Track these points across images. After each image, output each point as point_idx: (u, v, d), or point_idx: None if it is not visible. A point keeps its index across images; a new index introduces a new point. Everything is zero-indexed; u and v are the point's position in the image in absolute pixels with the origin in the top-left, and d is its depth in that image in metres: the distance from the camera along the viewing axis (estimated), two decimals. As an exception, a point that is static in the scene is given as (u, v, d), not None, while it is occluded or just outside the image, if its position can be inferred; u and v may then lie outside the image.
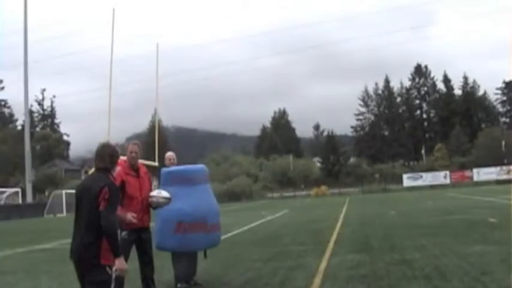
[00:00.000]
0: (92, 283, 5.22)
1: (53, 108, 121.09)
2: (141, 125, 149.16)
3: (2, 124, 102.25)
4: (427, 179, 73.13)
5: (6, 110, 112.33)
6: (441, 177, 72.88)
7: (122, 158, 6.76)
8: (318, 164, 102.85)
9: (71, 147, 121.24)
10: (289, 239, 16.01)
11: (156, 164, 29.13)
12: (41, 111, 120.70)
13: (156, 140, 32.01)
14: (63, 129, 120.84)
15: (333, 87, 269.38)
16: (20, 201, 59.52)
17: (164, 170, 9.39)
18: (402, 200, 39.71)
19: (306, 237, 16.45)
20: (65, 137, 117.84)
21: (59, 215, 52.60)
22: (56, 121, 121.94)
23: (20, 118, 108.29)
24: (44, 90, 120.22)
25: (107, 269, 5.25)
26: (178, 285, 9.17)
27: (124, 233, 6.58)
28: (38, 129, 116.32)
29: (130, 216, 6.62)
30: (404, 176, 75.37)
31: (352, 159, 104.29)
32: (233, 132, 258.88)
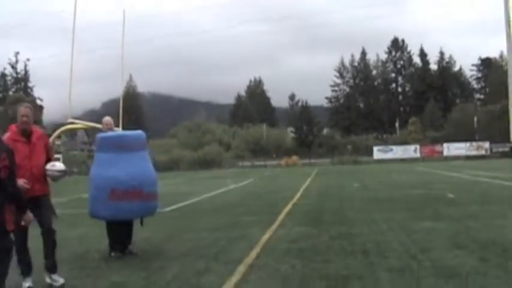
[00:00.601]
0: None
1: (26, 72, 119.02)
2: (117, 90, 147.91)
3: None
4: (398, 152, 73.46)
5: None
6: (411, 151, 73.29)
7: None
8: (292, 134, 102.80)
9: (45, 111, 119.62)
10: (244, 209, 15.77)
11: (119, 129, 28.67)
12: (14, 74, 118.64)
13: (120, 106, 31.66)
14: (36, 93, 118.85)
15: (309, 57, 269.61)
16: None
17: (99, 135, 8.99)
18: (369, 173, 39.71)
19: (260, 207, 16.22)
20: (38, 101, 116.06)
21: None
22: (30, 85, 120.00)
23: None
24: (17, 53, 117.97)
25: (11, 235, 5.31)
26: (112, 253, 8.85)
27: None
28: (10, 92, 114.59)
29: (22, 182, 6.14)
30: (375, 149, 75.62)
31: (325, 130, 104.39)
32: (208, 100, 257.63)
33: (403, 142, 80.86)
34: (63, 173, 7.03)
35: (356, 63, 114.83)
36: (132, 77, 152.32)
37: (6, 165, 5.06)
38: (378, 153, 74.23)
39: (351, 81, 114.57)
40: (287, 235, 10.29)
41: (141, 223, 9.33)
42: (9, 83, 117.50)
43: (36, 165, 6.75)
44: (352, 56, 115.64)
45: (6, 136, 6.19)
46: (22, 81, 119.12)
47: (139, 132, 9.25)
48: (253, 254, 8.45)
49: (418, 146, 74.00)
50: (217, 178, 40.23)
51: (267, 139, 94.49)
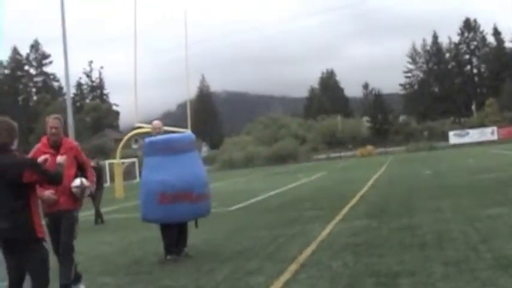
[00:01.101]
0: (33, 258, 5.07)
1: (101, 79, 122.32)
2: (191, 91, 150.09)
3: (52, 97, 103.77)
4: (474, 135, 71.22)
5: (55, 84, 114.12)
6: (488, 133, 70.92)
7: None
8: (367, 124, 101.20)
9: (121, 116, 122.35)
10: (309, 204, 15.55)
11: (188, 131, 28.96)
12: (90, 83, 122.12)
13: (188, 109, 31.92)
14: (112, 99, 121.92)
15: (380, 45, 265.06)
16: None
17: (146, 140, 9.00)
18: (443, 159, 38.60)
19: (327, 201, 15.96)
20: (114, 107, 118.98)
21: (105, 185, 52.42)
22: (105, 92, 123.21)
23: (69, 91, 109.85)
24: (91, 62, 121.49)
25: (44, 243, 5.16)
26: (168, 256, 8.82)
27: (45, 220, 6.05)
28: (87, 100, 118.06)
29: (49, 193, 6.10)
30: (451, 133, 73.64)
31: (401, 118, 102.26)
32: (283, 95, 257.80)
33: (481, 125, 78.29)
34: (78, 189, 6.61)
35: (428, 48, 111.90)
36: (204, 77, 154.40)
37: (36, 179, 5.06)
38: (453, 137, 72.22)
39: (424, 66, 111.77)
40: (347, 229, 10.04)
41: (196, 225, 9.29)
42: (85, 91, 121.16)
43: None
44: (424, 40, 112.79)
45: (36, 147, 6.14)
46: (98, 88, 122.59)
47: (187, 133, 9.27)
48: (308, 251, 8.28)
49: (495, 128, 71.49)
50: (290, 173, 40.07)
51: (342, 130, 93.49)
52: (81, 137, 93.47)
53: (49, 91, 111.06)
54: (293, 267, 7.21)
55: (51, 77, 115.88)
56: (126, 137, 32.39)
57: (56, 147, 6.64)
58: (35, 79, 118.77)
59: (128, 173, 61.43)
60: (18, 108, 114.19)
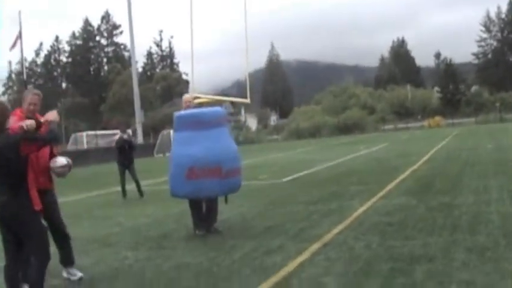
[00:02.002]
0: (32, 231, 5.11)
1: (171, 49, 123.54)
2: (262, 60, 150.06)
3: (122, 67, 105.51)
4: (549, 107, 68.37)
5: (125, 53, 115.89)
6: None
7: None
8: (437, 94, 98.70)
9: (190, 85, 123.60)
10: (357, 178, 15.20)
11: (248, 100, 28.72)
12: (160, 52, 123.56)
13: (246, 76, 31.65)
14: (182, 68, 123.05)
15: (453, 14, 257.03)
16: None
17: (175, 114, 8.82)
18: (511, 132, 37.16)
19: (376, 175, 15.58)
20: (184, 76, 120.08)
21: (168, 154, 52.55)
22: (175, 61, 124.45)
23: (140, 60, 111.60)
24: (161, 31, 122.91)
25: (40, 216, 5.24)
26: (197, 231, 8.75)
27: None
28: (157, 70, 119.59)
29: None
30: (524, 105, 70.99)
31: (473, 88, 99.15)
32: (356, 64, 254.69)
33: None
34: (66, 168, 6.24)
35: (503, 15, 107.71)
36: (274, 46, 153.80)
37: (33, 149, 5.18)
38: (527, 109, 69.61)
39: (499, 34, 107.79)
40: (384, 207, 9.70)
41: (226, 200, 9.16)
42: (155, 61, 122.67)
43: (42, 157, 6.09)
44: (499, 8, 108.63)
45: (12, 121, 5.72)
46: (168, 58, 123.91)
47: (216, 108, 9.01)
48: (337, 229, 8.02)
49: None
50: (352, 144, 39.50)
51: (411, 100, 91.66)
52: (152, 106, 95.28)
53: (119, 61, 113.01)
54: (315, 247, 6.99)
55: (122, 46, 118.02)
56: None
57: None
58: (106, 49, 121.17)
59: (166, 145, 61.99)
60: (90, 77, 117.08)
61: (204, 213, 8.89)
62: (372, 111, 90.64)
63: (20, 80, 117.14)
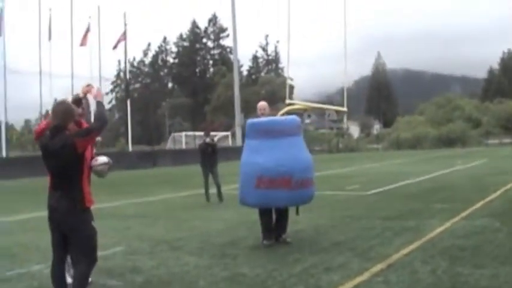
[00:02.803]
0: (78, 233, 5.13)
1: (276, 53, 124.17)
2: (367, 68, 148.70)
3: (228, 70, 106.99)
4: None
5: (231, 56, 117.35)
6: None
7: None
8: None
9: (295, 91, 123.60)
10: (444, 195, 14.57)
11: (345, 109, 28.45)
12: (265, 57, 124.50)
13: (344, 90, 31.27)
14: (287, 73, 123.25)
15: None
16: (230, 144, 61.85)
17: (248, 121, 8.75)
18: None
19: (464, 193, 14.89)
20: (289, 81, 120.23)
21: None
22: (280, 65, 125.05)
23: (245, 64, 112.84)
24: (267, 36, 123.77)
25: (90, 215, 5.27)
26: (264, 241, 8.64)
27: None
28: (262, 74, 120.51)
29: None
30: None
31: None
32: (463, 74, 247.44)
33: None
34: (106, 166, 6.05)
35: None
36: (380, 54, 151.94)
37: (88, 141, 5.22)
38: None
39: None
40: (462, 228, 9.21)
41: (297, 211, 8.96)
42: (260, 65, 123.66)
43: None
44: None
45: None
46: (273, 62, 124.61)
47: (291, 117, 8.84)
48: (407, 249, 7.67)
49: None
50: (451, 158, 38.13)
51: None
52: (255, 109, 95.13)
53: (225, 63, 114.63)
54: (377, 268, 6.71)
55: (228, 49, 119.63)
56: (279, 114, 32.05)
57: None
58: (212, 52, 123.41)
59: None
60: (195, 79, 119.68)
61: (273, 222, 8.76)
62: (477, 124, 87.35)
63: (128, 79, 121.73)
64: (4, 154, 35.43)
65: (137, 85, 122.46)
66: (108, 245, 8.77)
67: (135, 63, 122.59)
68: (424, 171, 23.73)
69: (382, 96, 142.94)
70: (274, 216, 8.79)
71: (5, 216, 13.47)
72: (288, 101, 30.47)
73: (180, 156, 42.73)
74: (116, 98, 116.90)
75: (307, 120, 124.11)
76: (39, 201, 7.12)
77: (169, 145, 56.77)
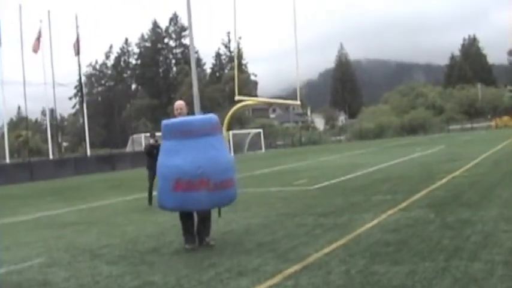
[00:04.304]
0: None
1: (239, 50, 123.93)
2: (331, 59, 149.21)
3: (191, 69, 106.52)
4: None
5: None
6: None
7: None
8: (510, 93, 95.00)
9: (259, 86, 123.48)
10: (388, 186, 14.34)
11: (298, 103, 27.95)
12: (228, 53, 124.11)
13: (298, 86, 30.95)
14: (250, 69, 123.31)
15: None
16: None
17: (163, 122, 8.27)
18: None
19: (410, 183, 14.65)
20: (252, 77, 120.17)
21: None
22: (244, 62, 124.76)
23: (208, 61, 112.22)
24: (229, 32, 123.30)
25: None
26: (186, 246, 8.25)
27: None
28: (226, 70, 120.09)
29: None
30: None
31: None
32: (427, 62, 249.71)
33: None
34: None
35: None
36: (343, 45, 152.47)
37: None
38: None
39: None
40: (395, 222, 8.87)
41: (219, 213, 8.57)
42: (224, 62, 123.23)
43: None
44: None
45: None
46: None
47: (208, 116, 8.38)
48: (329, 248, 7.29)
49: None
50: (410, 146, 38.19)
51: (482, 100, 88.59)
52: (221, 106, 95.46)
53: (188, 62, 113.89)
54: (292, 270, 6.33)
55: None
56: (230, 112, 31.00)
57: None
58: (174, 51, 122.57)
59: (254, 144, 61.79)
60: (159, 79, 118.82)
61: (192, 226, 8.36)
62: (440, 111, 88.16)
63: (91, 82, 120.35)
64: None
65: (100, 88, 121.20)
66: (28, 257, 8.53)
67: (98, 66, 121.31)
68: (379, 161, 23.64)
69: (347, 88, 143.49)
70: (196, 219, 8.39)
71: None
72: (237, 98, 30.10)
73: (138, 159, 42.08)
74: (80, 103, 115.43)
75: (272, 115, 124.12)
76: None
77: (128, 148, 56.02)
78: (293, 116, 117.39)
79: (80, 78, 47.67)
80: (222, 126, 8.53)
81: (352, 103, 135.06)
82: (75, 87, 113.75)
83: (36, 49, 42.37)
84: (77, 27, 44.14)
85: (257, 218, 10.67)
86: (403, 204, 10.63)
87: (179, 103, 8.76)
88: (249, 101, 28.83)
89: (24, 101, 44.14)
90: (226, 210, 11.55)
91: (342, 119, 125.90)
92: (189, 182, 7.69)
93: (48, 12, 44.21)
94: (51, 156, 42.67)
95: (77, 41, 43.97)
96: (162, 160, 8.11)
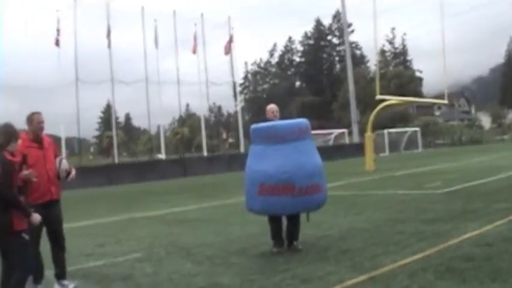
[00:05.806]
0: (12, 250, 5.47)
1: (404, 46, 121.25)
2: (500, 54, 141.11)
3: (354, 65, 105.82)
4: None
5: (357, 52, 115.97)
6: None
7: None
8: None
9: (424, 82, 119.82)
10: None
11: (445, 101, 27.10)
12: (393, 50, 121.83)
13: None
14: (415, 65, 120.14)
15: None
16: (347, 141, 60.96)
17: (252, 126, 8.43)
18: None
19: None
20: (417, 73, 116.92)
21: (381, 154, 49.42)
22: (408, 58, 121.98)
23: (372, 58, 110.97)
24: (393, 28, 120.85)
25: (23, 234, 5.49)
26: (274, 249, 8.39)
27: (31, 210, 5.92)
28: (391, 67, 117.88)
29: (28, 172, 5.99)
30: None
31: None
32: None
33: None
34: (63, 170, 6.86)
35: None
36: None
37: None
38: None
39: None
40: (495, 234, 8.33)
41: (307, 218, 8.54)
42: (388, 58, 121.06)
43: (50, 169, 6.65)
44: None
45: (19, 144, 6.02)
46: (401, 55, 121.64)
47: (297, 121, 8.41)
48: (410, 259, 7.06)
49: None
50: None
51: None
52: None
53: (352, 59, 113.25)
54: (356, 280, 6.27)
55: (354, 45, 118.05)
56: (372, 115, 30.11)
57: (39, 141, 6.66)
58: (338, 48, 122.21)
59: (412, 143, 60.09)
60: (322, 76, 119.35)
61: (280, 230, 8.44)
62: None
63: (256, 80, 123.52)
64: None
65: (265, 85, 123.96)
66: (129, 251, 9.18)
67: (262, 64, 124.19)
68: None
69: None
70: (285, 223, 8.47)
71: None
72: (378, 97, 29.31)
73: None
74: (245, 100, 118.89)
75: (437, 113, 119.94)
76: None
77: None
78: (458, 113, 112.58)
79: (233, 77, 49.13)
80: (310, 130, 8.44)
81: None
82: (240, 84, 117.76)
83: (194, 50, 44.70)
84: (231, 28, 46.10)
85: (363, 223, 10.53)
86: (518, 215, 9.94)
87: (272, 107, 8.84)
88: (393, 100, 28.14)
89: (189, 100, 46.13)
90: (337, 214, 11.57)
91: (510, 117, 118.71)
92: (273, 187, 7.83)
93: (202, 15, 46.15)
94: (205, 153, 44.51)
95: (229, 41, 45.96)
96: (250, 164, 8.29)
